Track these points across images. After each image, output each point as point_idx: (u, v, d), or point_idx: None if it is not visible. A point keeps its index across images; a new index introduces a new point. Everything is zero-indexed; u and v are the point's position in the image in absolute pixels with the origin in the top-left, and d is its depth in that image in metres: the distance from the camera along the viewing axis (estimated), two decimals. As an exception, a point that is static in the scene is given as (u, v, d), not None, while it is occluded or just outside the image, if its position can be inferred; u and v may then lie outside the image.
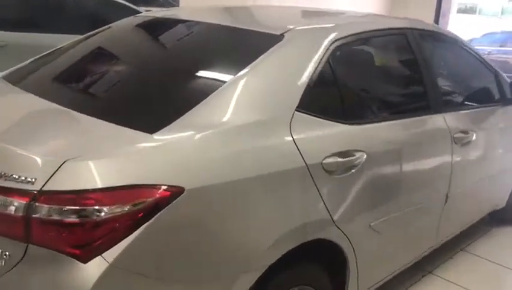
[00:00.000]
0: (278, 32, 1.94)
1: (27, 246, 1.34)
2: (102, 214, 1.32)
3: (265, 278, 1.62)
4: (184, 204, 1.41)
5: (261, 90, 1.74)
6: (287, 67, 1.83)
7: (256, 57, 1.80)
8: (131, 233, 1.34)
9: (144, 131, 1.50)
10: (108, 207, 1.32)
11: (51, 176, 1.32)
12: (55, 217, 1.31)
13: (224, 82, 1.71)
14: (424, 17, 7.25)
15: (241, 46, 1.98)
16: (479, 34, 11.60)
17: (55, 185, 1.32)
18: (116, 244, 1.33)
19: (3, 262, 1.36)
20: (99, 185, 1.33)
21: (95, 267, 1.31)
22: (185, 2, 6.45)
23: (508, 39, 10.73)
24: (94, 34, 2.43)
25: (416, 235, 2.50)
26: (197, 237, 1.47)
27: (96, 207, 1.32)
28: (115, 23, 2.53)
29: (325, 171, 1.78)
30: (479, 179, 2.91)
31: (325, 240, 1.85)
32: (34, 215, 1.31)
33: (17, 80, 2.07)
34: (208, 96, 1.64)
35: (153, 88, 1.80)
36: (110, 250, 1.32)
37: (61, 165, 1.34)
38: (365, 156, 1.93)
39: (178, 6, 6.77)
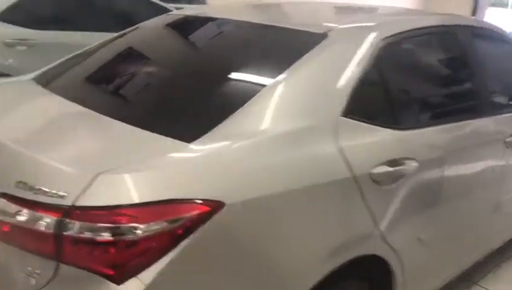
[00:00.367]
0: (321, 31, 1.80)
1: (58, 264, 1.25)
2: (138, 231, 1.22)
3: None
4: (224, 220, 1.30)
5: (304, 94, 1.62)
6: (332, 69, 1.70)
7: (298, 58, 1.67)
8: (169, 252, 1.24)
9: (179, 140, 1.40)
10: (144, 224, 1.22)
11: (83, 190, 1.23)
12: (88, 234, 1.22)
13: (264, 86, 1.59)
14: (461, 11, 6.99)
15: (281, 46, 1.86)
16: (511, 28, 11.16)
17: (87, 200, 1.22)
18: (152, 264, 1.23)
19: (34, 281, 1.28)
20: (135, 201, 1.23)
21: (130, 289, 1.21)
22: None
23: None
24: (124, 34, 2.34)
25: (465, 246, 2.34)
26: (237, 255, 1.36)
27: (132, 224, 1.22)
28: (145, 22, 2.44)
29: (373, 181, 1.65)
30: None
31: (372, 256, 1.72)
32: (65, 233, 1.22)
33: (47, 82, 1.99)
34: (246, 102, 1.53)
35: (188, 93, 1.69)
36: (146, 271, 1.22)
37: (94, 178, 1.24)
38: (415, 164, 1.79)
39: (205, 3, 6.67)
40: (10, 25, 4.44)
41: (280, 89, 1.59)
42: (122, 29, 4.97)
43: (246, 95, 1.56)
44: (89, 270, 1.23)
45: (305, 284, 1.49)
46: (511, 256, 3.07)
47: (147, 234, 1.22)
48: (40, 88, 1.91)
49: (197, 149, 1.38)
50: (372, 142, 1.69)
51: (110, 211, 1.22)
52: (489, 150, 2.28)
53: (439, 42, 2.33)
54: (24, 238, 1.29)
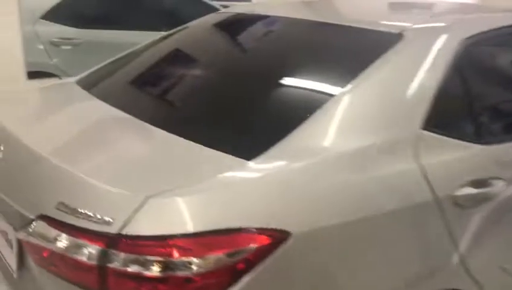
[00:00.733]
0: (396, 31, 1.58)
1: (100, 299, 1.09)
2: (193, 266, 1.05)
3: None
4: (290, 252, 1.12)
5: (378, 105, 1.41)
6: (410, 75, 1.48)
7: (371, 63, 1.46)
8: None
9: (238, 156, 1.22)
10: (199, 258, 1.05)
11: (131, 216, 1.07)
12: (135, 268, 1.05)
13: (332, 95, 1.39)
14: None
15: (350, 48, 1.65)
16: None
17: (136, 228, 1.06)
18: (209, 304, 1.06)
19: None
20: (189, 230, 1.06)
21: (183, 333, 1.05)
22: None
23: None
24: (172, 35, 2.18)
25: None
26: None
27: (185, 258, 1.05)
28: (194, 22, 2.27)
29: (456, 205, 1.43)
30: None
31: None
32: (109, 265, 1.06)
33: (92, 86, 1.86)
34: (312, 113, 1.33)
35: (246, 102, 1.50)
36: (203, 312, 1.05)
37: (143, 202, 1.07)
38: (503, 183, 1.55)
39: (251, 0, 6.48)
40: (56, 24, 4.40)
41: (351, 99, 1.39)
42: (168, 28, 4.85)
43: (311, 105, 1.37)
44: (137, 308, 1.07)
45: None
46: None
47: (202, 269, 1.05)
48: (84, 93, 1.77)
49: (258, 169, 1.19)
50: (456, 159, 1.46)
51: (161, 242, 1.06)
52: None
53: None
54: (63, 266, 1.14)
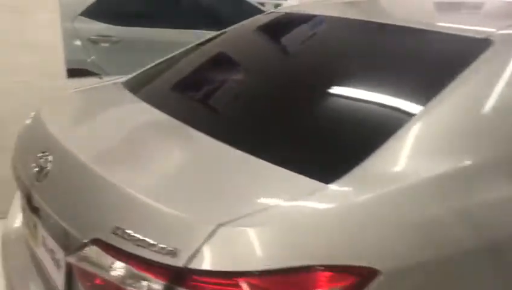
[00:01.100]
0: (482, 36, 1.41)
1: None
2: (269, 309, 0.91)
3: None
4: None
5: (469, 122, 1.24)
6: (503, 86, 1.31)
7: (457, 73, 1.29)
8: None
9: (314, 178, 1.07)
10: (277, 300, 0.91)
11: (200, 247, 0.93)
12: (204, 309, 0.92)
13: (413, 115, 1.22)
14: None
15: (430, 55, 1.48)
16: None
17: (205, 262, 0.92)
18: None
19: None
20: (265, 266, 0.92)
21: None
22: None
23: None
24: (221, 35, 2.05)
25: None
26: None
27: (261, 300, 0.91)
28: (245, 22, 2.13)
29: None
30: None
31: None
32: (175, 304, 0.93)
33: (141, 89, 1.74)
34: (395, 131, 1.17)
35: (319, 117, 1.34)
36: None
37: (213, 231, 0.94)
38: None
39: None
40: (94, 21, 4.33)
41: (437, 116, 1.22)
42: (208, 27, 4.73)
43: (392, 123, 1.21)
44: None
45: None
46: None
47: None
48: (134, 97, 1.65)
49: (340, 194, 1.04)
50: None
51: (234, 279, 0.92)
52: None
53: None
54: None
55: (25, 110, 3.06)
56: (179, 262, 0.93)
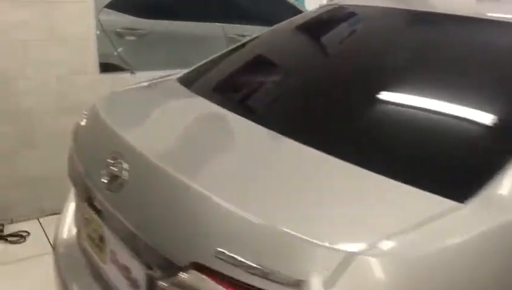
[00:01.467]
0: None
1: None
2: None
3: None
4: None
5: None
6: None
7: None
8: None
9: (446, 197, 0.92)
10: None
11: (332, 278, 0.79)
12: None
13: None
14: None
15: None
16: None
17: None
18: None
19: None
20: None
21: None
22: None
23: None
24: (275, 30, 1.90)
25: None
26: None
27: None
28: (296, 17, 1.99)
29: None
30: None
31: None
32: None
33: (199, 85, 1.60)
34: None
35: (437, 124, 1.18)
36: None
37: (347, 260, 0.80)
38: None
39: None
40: (120, 14, 4.18)
41: None
42: (237, 20, 4.59)
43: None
44: None
45: None
46: None
47: None
48: (195, 96, 1.51)
49: (481, 217, 0.90)
50: None
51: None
52: None
53: None
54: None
55: (56, 106, 2.95)
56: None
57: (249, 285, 0.85)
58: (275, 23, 4.63)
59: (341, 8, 1.99)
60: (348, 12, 1.93)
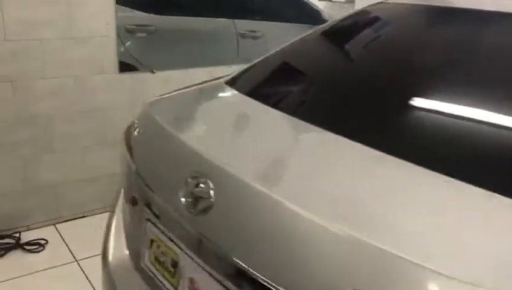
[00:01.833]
0: None
1: None
2: None
3: None
4: None
5: None
6: None
7: None
8: None
9: None
10: None
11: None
12: None
13: None
14: None
15: None
16: None
17: None
18: None
19: None
20: None
21: None
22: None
23: None
24: (329, 29, 1.78)
25: None
26: None
27: None
28: (350, 15, 1.87)
29: None
30: None
31: None
32: None
33: (254, 90, 1.48)
34: None
35: None
36: None
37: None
38: None
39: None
40: (130, 10, 4.03)
41: None
42: (249, 17, 4.46)
43: None
44: None
45: None
46: None
47: None
48: (255, 102, 1.39)
49: None
50: None
51: None
52: None
53: None
54: None
55: (74, 108, 2.81)
56: None
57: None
58: (286, 19, 4.48)
59: (400, 5, 1.87)
60: (407, 9, 1.82)
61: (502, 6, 1.46)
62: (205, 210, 1.04)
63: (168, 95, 1.62)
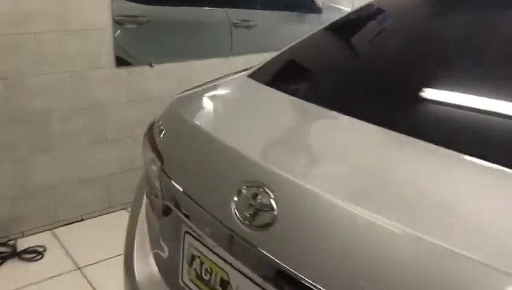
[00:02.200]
0: None
1: None
2: None
3: None
4: None
5: None
6: None
7: None
8: None
9: None
10: None
11: None
12: None
13: None
14: None
15: None
16: None
17: None
18: None
19: None
20: None
21: None
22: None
23: None
24: (360, 13, 1.67)
25: None
26: None
27: None
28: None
29: None
30: None
31: None
32: None
33: (283, 83, 1.36)
34: None
35: None
36: None
37: None
38: None
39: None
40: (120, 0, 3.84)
41: None
42: (245, 6, 4.30)
43: None
44: None
45: None
46: None
47: None
48: (287, 96, 1.27)
49: None
50: None
51: None
52: None
53: None
54: None
55: (71, 105, 2.62)
56: None
57: None
58: (279, 8, 4.31)
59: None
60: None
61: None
62: (268, 224, 0.92)
63: (192, 92, 1.48)
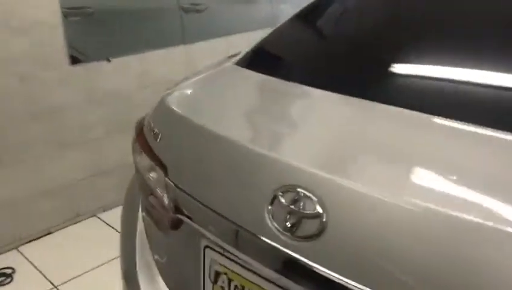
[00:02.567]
0: None
1: None
2: None
3: None
4: None
5: None
6: None
7: None
8: None
9: None
10: None
11: None
12: None
13: None
14: None
15: None
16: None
17: None
18: None
19: None
20: None
21: None
22: None
23: None
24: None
25: None
26: None
27: None
28: None
29: None
30: None
31: None
32: None
33: (274, 68, 1.26)
34: None
35: None
36: None
37: None
38: None
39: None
40: (60, -9, 3.54)
41: None
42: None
43: None
44: None
45: None
46: None
47: None
48: (283, 82, 1.16)
49: None
50: None
51: None
52: None
53: None
54: None
55: (24, 111, 2.37)
56: None
57: None
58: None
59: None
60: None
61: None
62: (315, 234, 0.81)
63: (182, 87, 1.34)
